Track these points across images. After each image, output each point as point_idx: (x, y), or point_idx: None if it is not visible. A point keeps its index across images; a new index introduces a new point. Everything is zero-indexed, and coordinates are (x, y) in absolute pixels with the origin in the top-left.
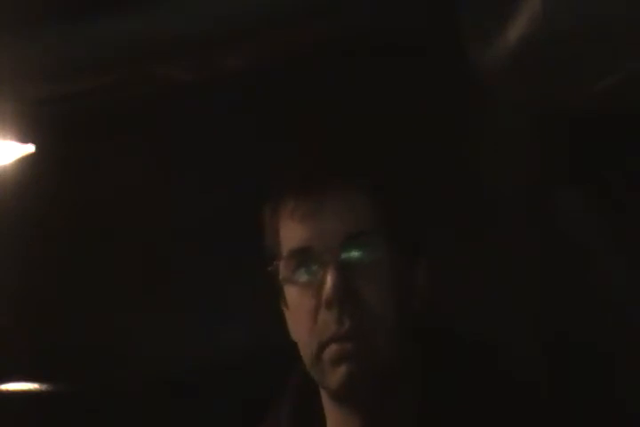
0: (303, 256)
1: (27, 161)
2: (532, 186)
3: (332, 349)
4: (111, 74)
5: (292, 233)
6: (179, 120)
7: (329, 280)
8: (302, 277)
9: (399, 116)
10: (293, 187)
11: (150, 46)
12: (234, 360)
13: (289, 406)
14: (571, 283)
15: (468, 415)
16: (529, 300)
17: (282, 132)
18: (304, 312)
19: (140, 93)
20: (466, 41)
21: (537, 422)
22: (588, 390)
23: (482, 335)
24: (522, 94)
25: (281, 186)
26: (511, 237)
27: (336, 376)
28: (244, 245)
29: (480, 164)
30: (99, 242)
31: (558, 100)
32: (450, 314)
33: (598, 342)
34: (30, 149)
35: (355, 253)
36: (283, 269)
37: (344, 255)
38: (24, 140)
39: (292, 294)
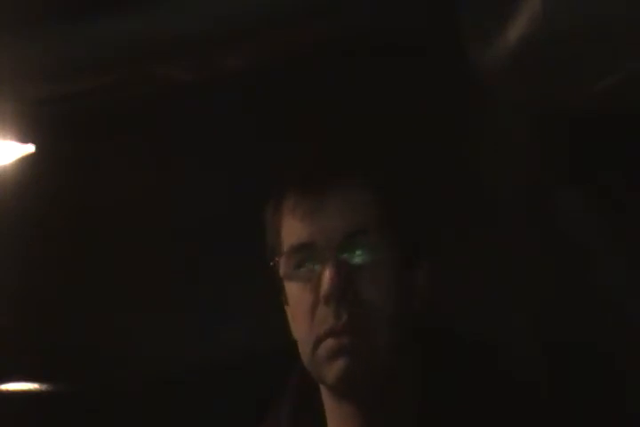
0: (303, 253)
1: (27, 161)
2: (531, 186)
3: (329, 343)
4: (111, 74)
5: (293, 230)
6: (179, 120)
7: (327, 276)
8: (302, 273)
9: (399, 115)
10: (295, 185)
11: (150, 46)
12: (234, 360)
13: (289, 406)
14: (571, 283)
15: (468, 415)
16: (529, 300)
17: (282, 132)
18: (303, 308)
19: (139, 93)
20: (466, 41)
21: (537, 422)
22: (588, 390)
23: (482, 335)
24: (522, 94)
25: (282, 185)
26: (511, 237)
27: (332, 371)
28: (243, 245)
29: (480, 164)
30: (99, 242)
31: (558, 100)
32: (450, 314)
33: (598, 342)
34: (30, 149)
35: (354, 251)
36: (283, 265)
37: (343, 252)
38: (24, 140)
39: (291, 290)
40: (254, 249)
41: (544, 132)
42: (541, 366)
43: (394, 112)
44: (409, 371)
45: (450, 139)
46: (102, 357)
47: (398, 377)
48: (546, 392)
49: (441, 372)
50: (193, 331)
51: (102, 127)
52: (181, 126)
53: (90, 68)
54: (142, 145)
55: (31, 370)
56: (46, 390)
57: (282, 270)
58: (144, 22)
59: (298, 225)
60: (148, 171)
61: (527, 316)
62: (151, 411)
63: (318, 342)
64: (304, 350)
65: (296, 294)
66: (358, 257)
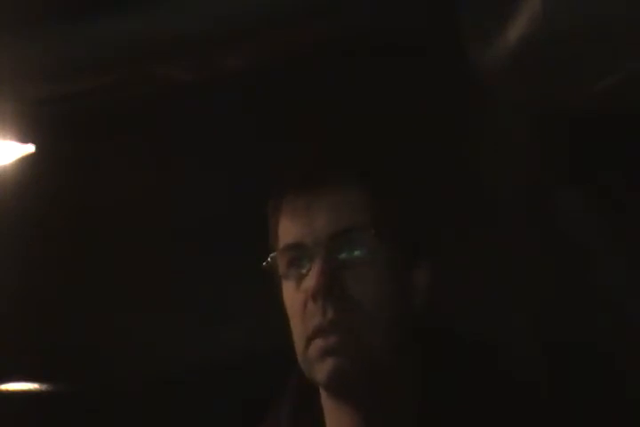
0: (296, 251)
1: (27, 161)
2: (531, 186)
3: (317, 343)
4: (111, 74)
5: (287, 229)
6: (179, 120)
7: (314, 273)
8: (294, 271)
9: (399, 115)
10: (293, 185)
11: (150, 46)
12: (234, 360)
13: (289, 406)
14: (571, 283)
15: (468, 415)
16: (529, 300)
17: (282, 132)
18: (295, 306)
19: (140, 93)
20: (466, 41)
21: (537, 422)
22: (588, 390)
23: (482, 335)
24: (522, 94)
25: (282, 184)
26: (511, 237)
27: (322, 371)
28: (244, 245)
29: (480, 164)
30: (99, 242)
31: (558, 100)
32: (450, 314)
33: (598, 342)
34: (30, 149)
35: (344, 249)
36: (279, 264)
37: (333, 250)
38: (24, 140)
39: (286, 288)
40: (254, 249)
41: (544, 132)
42: (541, 366)
43: (394, 112)
44: (409, 371)
45: (450, 139)
46: (102, 357)
47: (398, 377)
48: (546, 392)
49: (441, 372)
50: (193, 331)
51: (102, 127)
52: (181, 126)
53: (90, 68)
54: (142, 145)
55: (31, 370)
56: (46, 390)
57: (279, 270)
58: (144, 22)
59: (292, 224)
60: (147, 171)
61: (527, 316)
62: (151, 411)
63: (308, 340)
64: (297, 348)
65: (290, 292)
66: (348, 255)
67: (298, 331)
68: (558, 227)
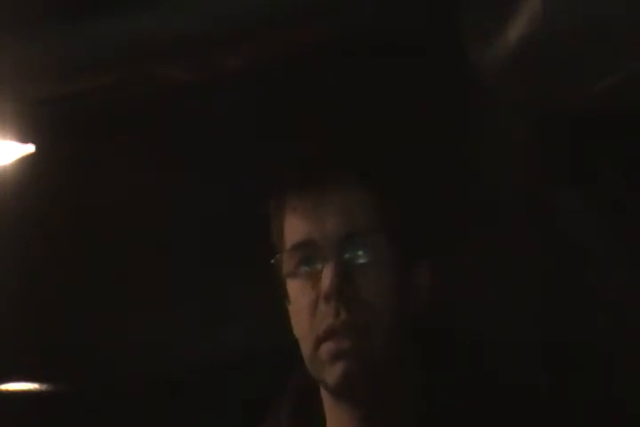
0: (305, 250)
1: (27, 161)
2: (531, 186)
3: (329, 346)
4: (111, 74)
5: (294, 228)
6: (179, 120)
7: (328, 273)
8: (303, 270)
9: (399, 116)
10: (295, 185)
11: (150, 46)
12: (234, 360)
13: (289, 406)
14: (571, 283)
15: (468, 415)
16: (529, 300)
17: (282, 132)
18: (303, 306)
19: (140, 93)
20: (466, 41)
21: (537, 422)
22: (588, 390)
23: (482, 335)
24: (522, 94)
25: (282, 184)
26: (511, 237)
27: (333, 374)
28: (244, 245)
29: (480, 164)
30: (99, 242)
31: (558, 100)
32: (450, 314)
33: (598, 342)
34: (30, 149)
35: (354, 250)
36: (285, 262)
37: (345, 251)
38: (24, 140)
39: (293, 287)
40: (254, 249)
41: (544, 132)
42: (541, 367)
43: (394, 112)
44: (409, 371)
45: (450, 139)
46: (102, 357)
47: (398, 377)
48: (546, 392)
49: (441, 372)
50: (193, 331)
51: (102, 127)
52: (181, 126)
53: (90, 68)
54: (142, 145)
55: (31, 370)
56: (46, 390)
57: (284, 268)
58: (144, 22)
59: (299, 222)
60: (148, 171)
61: (527, 316)
62: (151, 411)
63: (318, 342)
64: (305, 349)
65: (297, 292)
66: (359, 256)
67: (306, 331)
68: (558, 227)
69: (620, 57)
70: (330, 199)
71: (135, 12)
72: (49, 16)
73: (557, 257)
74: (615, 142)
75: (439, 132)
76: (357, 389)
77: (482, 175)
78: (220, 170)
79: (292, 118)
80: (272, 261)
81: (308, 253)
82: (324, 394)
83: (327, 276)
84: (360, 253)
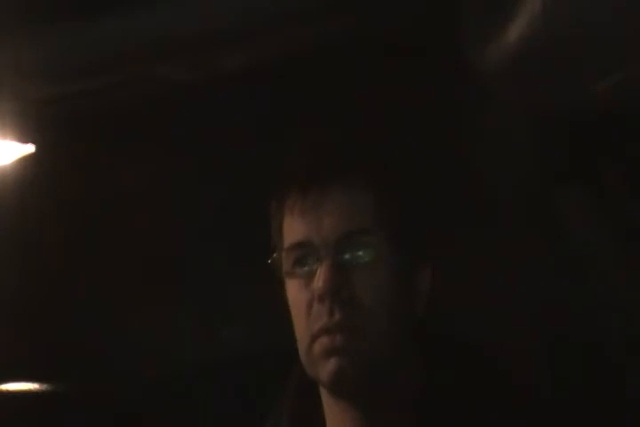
0: (302, 250)
1: (27, 161)
2: (531, 186)
3: (323, 341)
4: (111, 74)
5: (292, 228)
6: (179, 120)
7: (322, 274)
8: (300, 270)
9: (399, 115)
10: (295, 185)
11: (150, 46)
12: (234, 360)
13: (289, 406)
14: (571, 283)
15: (468, 415)
16: (529, 300)
17: (282, 132)
18: (300, 305)
19: (140, 93)
20: (466, 41)
21: (537, 422)
22: (588, 390)
23: (482, 336)
24: (522, 94)
25: (282, 184)
26: (511, 237)
27: (326, 369)
28: (244, 244)
29: (480, 164)
30: (99, 242)
31: (558, 100)
32: (450, 314)
33: (598, 342)
34: (30, 149)
35: (351, 250)
36: (283, 262)
37: (341, 251)
38: (24, 140)
39: (291, 287)
40: (254, 249)
41: (544, 132)
42: (541, 366)
43: (393, 112)
44: (409, 371)
45: (450, 139)
46: (102, 357)
47: (398, 377)
48: (546, 392)
49: (441, 372)
50: (193, 331)
51: (102, 127)
52: (181, 126)
53: (90, 68)
54: (142, 145)
55: (31, 370)
56: (46, 390)
57: (283, 268)
58: (144, 22)
59: (297, 222)
60: (147, 170)
61: (527, 316)
62: (151, 411)
63: (313, 339)
64: (301, 347)
65: (294, 291)
66: (355, 256)
67: (302, 329)
68: (558, 227)
69: (620, 57)
70: (328, 200)
71: (135, 12)
72: (49, 16)
73: (557, 257)
74: (615, 142)
75: (439, 132)
76: (352, 386)
77: (482, 175)
78: (220, 170)
79: (291, 118)
80: (269, 261)
81: (305, 253)
82: (323, 394)
83: (322, 276)
84: (358, 253)
